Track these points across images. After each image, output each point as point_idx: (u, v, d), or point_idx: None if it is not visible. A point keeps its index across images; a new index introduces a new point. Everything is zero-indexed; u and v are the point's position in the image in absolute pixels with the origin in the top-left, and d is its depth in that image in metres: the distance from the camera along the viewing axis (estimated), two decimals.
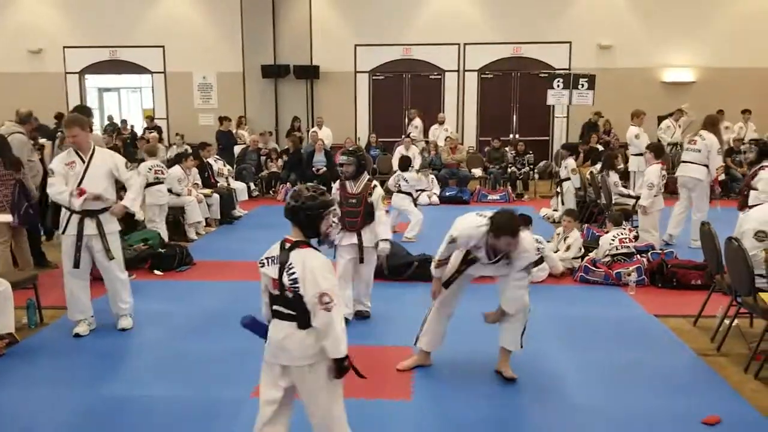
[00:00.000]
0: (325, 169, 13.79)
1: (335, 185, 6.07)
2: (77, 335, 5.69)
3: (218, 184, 11.37)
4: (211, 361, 5.17)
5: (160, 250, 8.01)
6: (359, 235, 5.93)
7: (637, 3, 16.85)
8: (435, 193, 13.08)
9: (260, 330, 3.36)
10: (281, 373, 3.27)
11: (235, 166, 13.94)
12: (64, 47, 17.89)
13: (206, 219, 10.35)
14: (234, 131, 16.04)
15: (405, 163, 10.47)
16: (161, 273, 7.73)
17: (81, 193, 5.51)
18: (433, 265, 4.97)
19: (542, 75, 16.34)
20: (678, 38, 16.70)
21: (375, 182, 6.15)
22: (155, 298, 6.81)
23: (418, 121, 16.12)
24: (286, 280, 3.14)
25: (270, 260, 3.22)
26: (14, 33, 17.73)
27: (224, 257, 8.62)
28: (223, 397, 4.50)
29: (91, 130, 7.18)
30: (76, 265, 5.65)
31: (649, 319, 6.18)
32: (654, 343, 5.60)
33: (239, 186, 12.31)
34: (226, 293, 7.01)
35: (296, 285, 3.11)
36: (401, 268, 7.43)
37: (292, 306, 3.17)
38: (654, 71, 16.87)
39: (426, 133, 15.97)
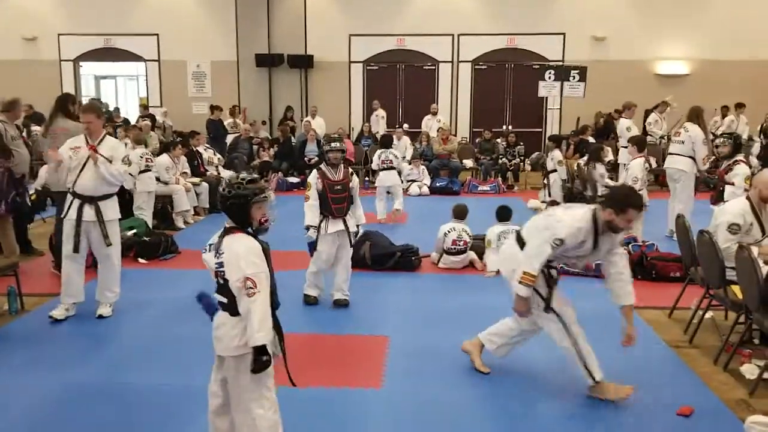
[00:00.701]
0: (317, 158, 13.80)
1: (314, 174, 6.14)
2: (52, 318, 5.74)
3: (208, 173, 11.39)
4: (190, 348, 5.19)
5: (145, 238, 8.05)
6: (344, 222, 6.11)
7: None
8: (425, 184, 13.11)
9: (208, 308, 3.30)
10: (218, 364, 3.26)
11: (227, 155, 13.95)
12: (59, 35, 17.89)
13: (195, 208, 10.39)
14: (232, 120, 16.04)
15: (388, 140, 10.62)
16: (145, 261, 7.78)
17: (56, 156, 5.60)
18: (522, 281, 4.23)
19: (536, 66, 16.33)
20: (672, 30, 16.69)
21: (351, 170, 6.36)
22: (137, 286, 6.83)
23: (381, 112, 16.21)
24: (213, 264, 3.12)
25: (210, 247, 3.19)
26: (9, 20, 17.72)
27: None
28: (198, 384, 4.51)
29: (76, 118, 7.24)
30: (76, 249, 5.74)
31: None
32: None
33: (229, 175, 12.31)
34: (208, 281, 7.03)
35: (222, 269, 3.09)
36: (384, 258, 7.48)
37: (224, 293, 3.14)
38: (648, 63, 16.87)
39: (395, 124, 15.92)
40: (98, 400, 4.35)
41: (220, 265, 3.09)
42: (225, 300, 3.14)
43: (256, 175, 3.33)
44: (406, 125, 15.39)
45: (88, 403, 4.31)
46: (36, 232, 8.58)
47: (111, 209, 5.88)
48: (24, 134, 8.45)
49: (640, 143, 8.62)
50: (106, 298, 5.97)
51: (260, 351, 3.03)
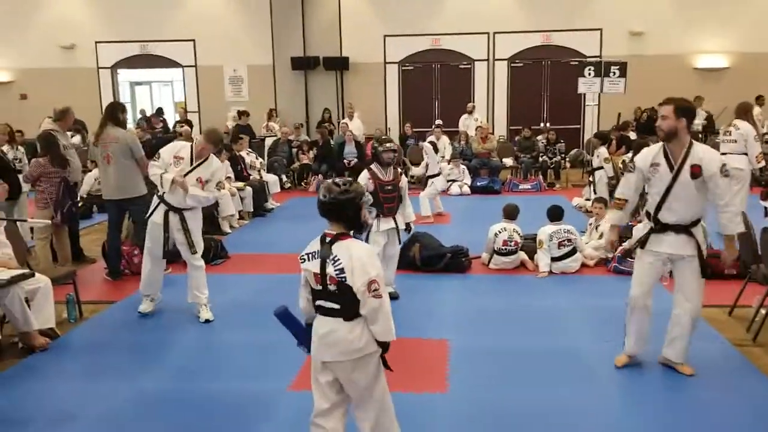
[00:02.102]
0: (356, 160, 13.82)
1: (364, 174, 6.19)
2: (141, 313, 5.99)
3: (251, 177, 11.46)
4: (247, 355, 5.24)
5: None
6: (395, 220, 6.30)
7: None
8: (466, 184, 13.04)
9: (291, 323, 3.35)
10: (320, 368, 3.27)
11: (266, 158, 14.04)
12: (96, 42, 18.14)
13: (240, 212, 10.45)
14: (265, 124, 16.16)
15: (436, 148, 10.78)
16: None
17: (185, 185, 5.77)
18: (611, 208, 4.82)
19: (573, 63, 16.16)
20: (711, 23, 16.38)
21: (400, 170, 6.59)
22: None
23: (355, 116, 16.24)
24: (331, 272, 3.11)
25: (311, 255, 3.21)
26: (47, 29, 18.01)
27: (258, 250, 8.71)
28: (259, 391, 4.55)
29: (125, 126, 7.35)
30: (159, 251, 6.00)
31: None
32: None
33: (271, 178, 12.39)
34: (260, 286, 7.09)
35: (343, 275, 3.09)
36: (434, 259, 7.44)
37: (336, 299, 3.15)
38: (686, 58, 16.58)
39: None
40: (168, 407, 4.38)
41: (341, 271, 3.10)
42: (338, 306, 3.16)
43: (348, 178, 3.36)
44: (439, 121, 15.29)
45: (159, 411, 4.34)
46: (86, 240, 8.69)
47: (194, 219, 6.06)
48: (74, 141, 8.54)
49: None
50: (199, 299, 6.09)
51: (388, 345, 3.24)
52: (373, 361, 3.23)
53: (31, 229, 7.85)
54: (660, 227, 4.56)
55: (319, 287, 3.19)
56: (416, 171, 11.65)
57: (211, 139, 6.01)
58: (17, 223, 6.80)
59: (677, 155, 4.39)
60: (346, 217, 3.21)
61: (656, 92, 15.00)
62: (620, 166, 10.64)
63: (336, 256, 3.12)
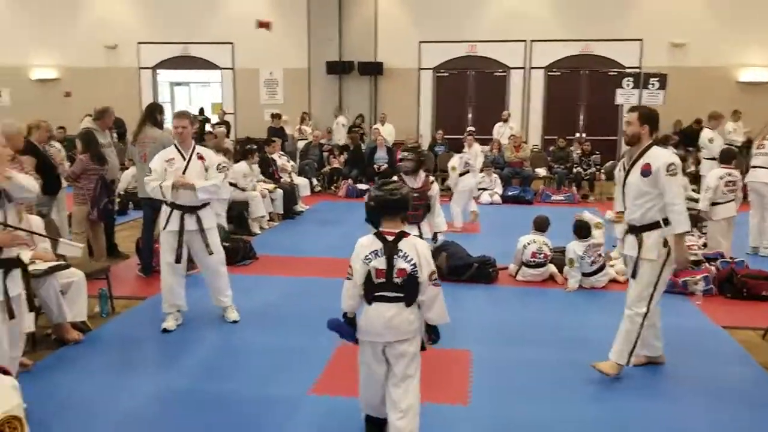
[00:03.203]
0: (386, 165, 13.85)
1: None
2: (165, 330, 5.78)
3: (281, 180, 11.56)
4: (270, 357, 5.28)
5: (224, 243, 8.18)
6: (419, 228, 6.20)
7: None
8: (497, 192, 12.98)
9: (345, 331, 3.70)
10: (375, 352, 3.65)
11: (298, 161, 14.15)
12: (138, 43, 18.48)
13: (269, 213, 10.55)
14: (297, 127, 16.29)
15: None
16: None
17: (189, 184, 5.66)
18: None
19: (611, 73, 15.99)
20: (756, 36, 16.07)
21: (432, 178, 6.53)
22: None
23: (342, 119, 16.48)
24: (404, 265, 3.52)
25: (374, 254, 3.56)
26: (91, 29, 18.40)
27: (286, 252, 8.78)
28: (280, 394, 4.59)
29: (162, 127, 7.48)
30: (178, 260, 5.79)
31: (715, 330, 6.00)
32: (720, 355, 5.43)
33: (302, 181, 12.50)
34: (286, 289, 7.15)
35: (416, 268, 3.53)
36: (461, 269, 7.41)
37: (400, 289, 3.56)
38: (730, 70, 16.30)
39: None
40: (189, 406, 4.44)
41: (415, 266, 3.54)
42: (402, 294, 3.58)
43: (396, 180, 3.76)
44: (471, 128, 15.25)
45: (180, 409, 4.41)
46: (120, 236, 8.85)
47: (209, 218, 5.93)
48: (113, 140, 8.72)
49: (723, 155, 8.35)
50: (222, 302, 6.07)
51: (437, 330, 3.74)
52: (418, 339, 3.70)
53: (69, 223, 8.02)
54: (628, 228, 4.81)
55: (382, 280, 3.56)
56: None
57: (182, 115, 5.92)
58: (54, 218, 6.99)
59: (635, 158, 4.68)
60: (400, 213, 3.64)
61: (697, 105, 14.92)
62: None
63: (405, 252, 3.55)
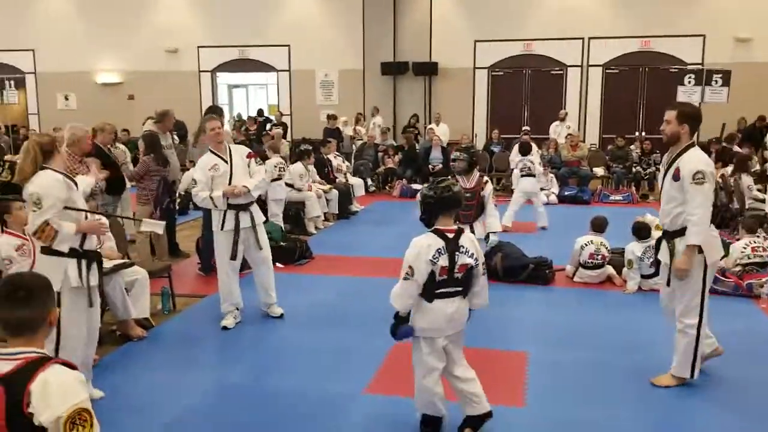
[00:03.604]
0: (441, 165, 13.83)
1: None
2: (225, 328, 5.90)
3: (337, 180, 11.67)
4: (325, 355, 5.34)
5: (281, 243, 8.33)
6: (471, 228, 6.19)
7: None
8: (554, 192, 12.81)
9: (408, 331, 3.78)
10: (434, 347, 3.74)
11: (353, 161, 14.25)
12: (198, 47, 18.92)
13: (325, 214, 10.66)
14: (353, 127, 16.41)
15: (526, 149, 10.56)
16: (282, 266, 8.03)
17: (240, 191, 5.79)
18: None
19: (672, 70, 15.57)
20: None
21: (486, 178, 6.42)
22: (276, 290, 7.09)
23: (378, 119, 16.31)
24: (466, 260, 3.64)
25: (439, 252, 3.61)
26: (153, 34, 18.93)
27: (341, 252, 8.86)
28: (335, 392, 4.64)
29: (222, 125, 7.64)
30: (234, 257, 5.90)
31: None
32: None
33: (357, 182, 12.58)
34: (342, 288, 7.21)
35: (477, 261, 3.70)
36: (517, 270, 7.34)
37: (459, 283, 3.70)
38: None
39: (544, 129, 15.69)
40: (245, 403, 4.53)
41: (476, 259, 3.71)
42: (461, 288, 3.73)
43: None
44: (527, 127, 15.09)
45: (236, 406, 4.50)
46: (181, 235, 9.08)
47: (259, 214, 6.07)
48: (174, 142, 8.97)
49: None
50: (272, 298, 6.18)
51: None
52: None
53: (133, 223, 8.27)
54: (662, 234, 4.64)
55: (444, 277, 3.64)
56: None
57: (215, 116, 6.03)
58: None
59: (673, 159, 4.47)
60: (457, 212, 3.82)
61: (763, 102, 14.41)
62: (719, 180, 10.20)
63: (466, 247, 3.66)
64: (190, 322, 6.17)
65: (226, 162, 5.83)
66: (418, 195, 3.92)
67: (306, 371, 5.04)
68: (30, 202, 3.98)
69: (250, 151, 6.22)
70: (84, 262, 4.15)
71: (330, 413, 4.36)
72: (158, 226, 5.74)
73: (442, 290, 3.66)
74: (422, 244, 3.64)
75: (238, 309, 6.07)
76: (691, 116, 4.46)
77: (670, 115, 4.48)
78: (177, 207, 8.70)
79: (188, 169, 11.91)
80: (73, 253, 4.11)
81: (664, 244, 4.56)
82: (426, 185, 3.84)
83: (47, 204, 3.94)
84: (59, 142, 4.21)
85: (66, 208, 4.07)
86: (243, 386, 4.78)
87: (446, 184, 3.70)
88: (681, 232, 4.39)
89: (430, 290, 3.65)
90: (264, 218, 6.22)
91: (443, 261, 3.60)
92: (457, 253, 3.62)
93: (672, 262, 4.46)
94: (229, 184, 5.77)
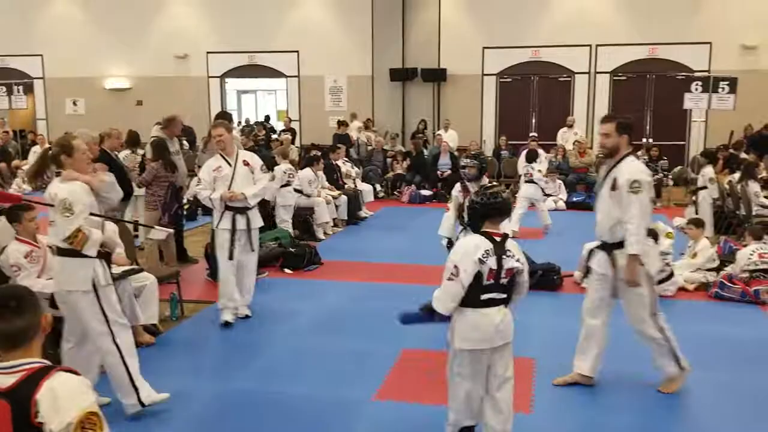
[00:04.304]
0: (450, 172, 13.86)
1: (457, 186, 6.24)
2: (226, 323, 6.11)
3: (346, 186, 11.71)
4: (334, 361, 5.37)
5: (290, 249, 8.37)
6: None
7: None
8: (561, 199, 12.82)
9: (414, 319, 3.72)
10: (477, 360, 3.59)
11: (362, 167, 14.30)
12: (207, 53, 19.01)
13: (334, 219, 10.70)
14: (355, 136, 16.45)
15: (532, 156, 10.67)
16: (291, 271, 8.09)
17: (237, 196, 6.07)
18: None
19: (679, 77, 15.58)
20: None
21: (494, 184, 6.41)
22: (284, 296, 7.14)
23: (356, 123, 16.41)
24: (513, 264, 3.56)
25: (486, 254, 3.51)
26: (163, 40, 19.04)
27: (350, 257, 8.89)
28: (344, 398, 4.67)
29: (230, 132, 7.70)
30: (231, 257, 6.14)
31: None
32: None
33: (365, 187, 12.62)
34: (351, 294, 7.24)
35: (523, 267, 3.63)
36: None
37: (504, 290, 3.59)
38: None
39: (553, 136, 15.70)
40: (254, 409, 4.57)
41: (522, 264, 3.63)
42: (505, 295, 3.63)
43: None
44: (534, 133, 15.11)
45: (244, 412, 4.54)
46: (189, 241, 9.14)
47: (257, 218, 6.38)
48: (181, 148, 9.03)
49: None
50: (247, 300, 6.37)
51: None
52: None
53: (138, 229, 8.33)
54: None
55: (491, 282, 3.53)
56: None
57: (218, 124, 6.29)
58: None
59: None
60: (505, 218, 3.76)
61: None
62: (726, 186, 10.21)
63: (512, 252, 3.59)
64: (199, 329, 6.21)
65: (230, 166, 6.13)
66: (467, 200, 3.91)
67: (315, 377, 5.07)
68: (61, 207, 4.04)
69: (255, 159, 6.46)
70: (105, 262, 4.27)
71: (339, 420, 4.39)
72: (164, 233, 5.85)
73: (489, 296, 3.56)
74: (470, 244, 3.58)
75: (235, 306, 6.24)
76: (629, 126, 4.49)
77: (609, 128, 4.46)
78: (185, 213, 8.73)
79: (196, 175, 11.98)
80: (98, 254, 4.20)
81: (600, 254, 4.56)
82: (475, 191, 3.83)
83: (78, 210, 4.04)
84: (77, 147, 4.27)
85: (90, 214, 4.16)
86: (251, 392, 4.81)
87: (495, 191, 3.69)
88: (621, 243, 4.39)
89: (476, 295, 3.53)
90: (261, 223, 6.50)
91: (491, 263, 3.50)
92: (504, 256, 3.53)
93: (617, 275, 4.46)
94: (230, 187, 6.07)
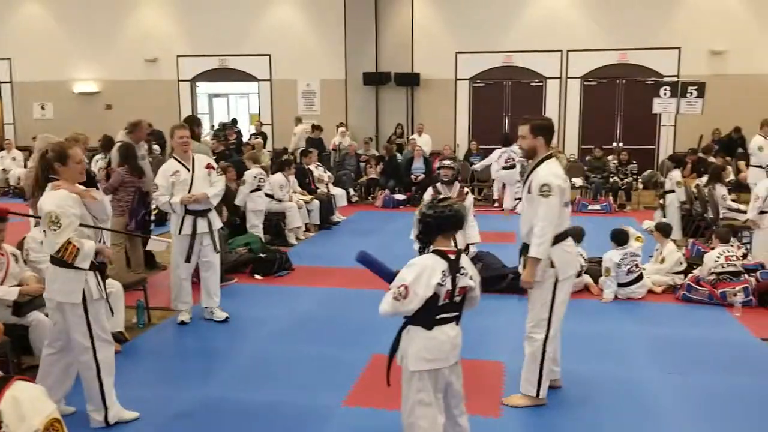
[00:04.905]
0: (423, 176, 13.87)
1: (429, 191, 6.27)
2: (182, 323, 6.23)
3: (318, 190, 11.66)
4: (304, 367, 5.32)
5: (260, 254, 8.30)
6: (454, 239, 6.13)
7: (753, 4, 16.00)
8: None
9: (373, 265, 3.52)
10: (436, 378, 3.43)
11: (334, 171, 14.26)
12: (178, 56, 18.83)
13: (306, 224, 10.64)
14: (338, 140, 16.40)
15: (510, 139, 10.76)
16: (261, 277, 8.02)
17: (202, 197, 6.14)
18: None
19: (649, 82, 15.79)
20: None
21: (467, 189, 6.50)
22: (254, 302, 7.07)
23: (342, 128, 16.43)
24: (468, 283, 3.44)
25: (444, 275, 3.36)
26: (133, 43, 18.83)
27: (322, 263, 8.85)
28: (313, 404, 4.63)
29: (199, 140, 7.64)
30: (188, 259, 6.22)
31: (755, 343, 5.87)
32: (760, 368, 5.32)
33: (338, 192, 12.59)
34: (323, 299, 7.20)
35: (476, 284, 3.51)
36: (496, 279, 7.37)
37: (457, 307, 3.48)
38: None
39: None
40: (223, 417, 4.51)
41: (475, 281, 3.51)
42: (458, 313, 3.50)
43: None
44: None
45: (214, 420, 4.47)
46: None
47: (217, 220, 6.42)
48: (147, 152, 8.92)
49: None
50: (215, 302, 6.38)
51: None
52: None
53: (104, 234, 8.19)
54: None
55: (446, 301, 3.39)
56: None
57: (182, 127, 6.37)
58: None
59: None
60: (457, 231, 3.59)
61: (738, 113, 14.65)
62: (693, 190, 10.34)
63: (466, 269, 3.46)
64: (165, 336, 6.12)
65: (188, 170, 6.15)
66: (417, 212, 3.67)
67: (284, 384, 5.02)
68: (47, 221, 3.95)
69: (210, 162, 6.53)
70: (98, 275, 4.19)
71: (308, 427, 4.34)
72: (162, 245, 5.84)
73: (441, 316, 3.40)
74: (426, 265, 3.36)
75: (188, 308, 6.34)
76: (544, 128, 4.46)
77: (524, 130, 4.47)
78: (153, 218, 8.62)
79: None
80: (91, 266, 4.11)
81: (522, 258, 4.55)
82: (425, 203, 3.64)
83: (65, 222, 3.94)
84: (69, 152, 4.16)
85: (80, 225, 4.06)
86: (220, 400, 4.74)
87: (447, 203, 3.49)
88: None
89: (431, 316, 3.37)
90: (221, 224, 6.57)
91: (448, 283, 3.35)
92: (458, 275, 3.39)
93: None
94: (189, 191, 6.09)
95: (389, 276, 3.46)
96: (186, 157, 6.20)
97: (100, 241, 4.24)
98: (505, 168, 10.63)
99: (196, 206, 6.12)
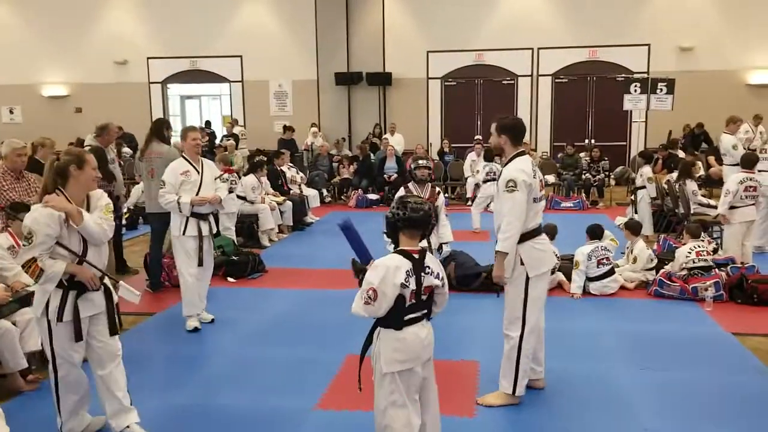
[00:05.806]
0: (396, 175, 13.86)
1: (401, 191, 6.24)
2: (195, 329, 6.15)
3: (291, 191, 11.59)
4: (278, 370, 5.27)
5: (233, 257, 8.22)
6: (428, 239, 6.13)
7: (720, 1, 16.23)
8: None
9: (354, 238, 3.47)
10: (408, 375, 3.39)
11: (307, 172, 14.19)
12: (148, 58, 18.64)
13: (279, 226, 10.57)
14: (310, 141, 16.32)
15: (491, 154, 10.85)
16: (234, 280, 7.94)
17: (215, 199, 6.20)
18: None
19: (619, 79, 15.92)
20: (765, 38, 15.98)
21: (438, 189, 6.54)
22: (226, 305, 6.99)
23: (314, 129, 16.54)
24: (433, 282, 3.39)
25: (407, 275, 3.30)
26: (102, 45, 18.59)
27: (296, 264, 8.79)
28: (286, 408, 4.58)
29: (169, 142, 7.54)
30: (201, 263, 6.13)
31: (726, 337, 5.94)
32: (730, 363, 5.37)
33: (311, 193, 12.52)
34: (297, 301, 7.15)
35: (443, 282, 3.45)
36: (469, 278, 7.39)
37: (425, 305, 3.44)
38: (739, 73, 16.20)
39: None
40: (197, 421, 4.44)
41: (442, 279, 3.46)
42: (426, 310, 3.46)
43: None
44: (479, 136, 15.23)
45: (187, 425, 4.41)
46: (129, 251, 8.89)
47: (214, 224, 6.40)
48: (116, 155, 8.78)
49: (744, 161, 8.26)
50: (204, 304, 6.38)
51: None
52: None
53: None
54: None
55: (413, 302, 3.35)
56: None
57: (193, 128, 6.42)
58: None
59: None
60: (429, 227, 3.49)
61: (707, 109, 14.85)
62: (664, 185, 10.44)
63: (432, 268, 3.41)
64: (138, 342, 6.01)
65: (198, 172, 6.11)
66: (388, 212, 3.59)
67: (257, 388, 4.96)
68: (23, 234, 3.84)
69: (221, 173, 6.75)
70: (72, 294, 3.92)
71: (280, 430, 4.30)
72: (135, 296, 5.26)
73: (410, 316, 3.36)
74: (389, 265, 3.29)
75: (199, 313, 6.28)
76: (509, 127, 4.49)
77: (492, 128, 4.57)
78: (124, 222, 8.50)
79: (137, 183, 11.71)
80: (69, 286, 3.90)
81: None
82: (395, 202, 3.53)
83: (37, 241, 3.78)
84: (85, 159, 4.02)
85: (58, 244, 3.86)
86: (193, 406, 4.67)
87: (415, 202, 3.43)
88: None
89: (400, 317, 3.33)
90: (216, 229, 6.58)
91: (413, 284, 3.30)
92: (423, 274, 3.34)
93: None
94: (198, 193, 6.04)
95: (364, 256, 3.45)
96: (196, 159, 6.17)
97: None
98: (485, 181, 10.80)
99: (200, 209, 6.06)
